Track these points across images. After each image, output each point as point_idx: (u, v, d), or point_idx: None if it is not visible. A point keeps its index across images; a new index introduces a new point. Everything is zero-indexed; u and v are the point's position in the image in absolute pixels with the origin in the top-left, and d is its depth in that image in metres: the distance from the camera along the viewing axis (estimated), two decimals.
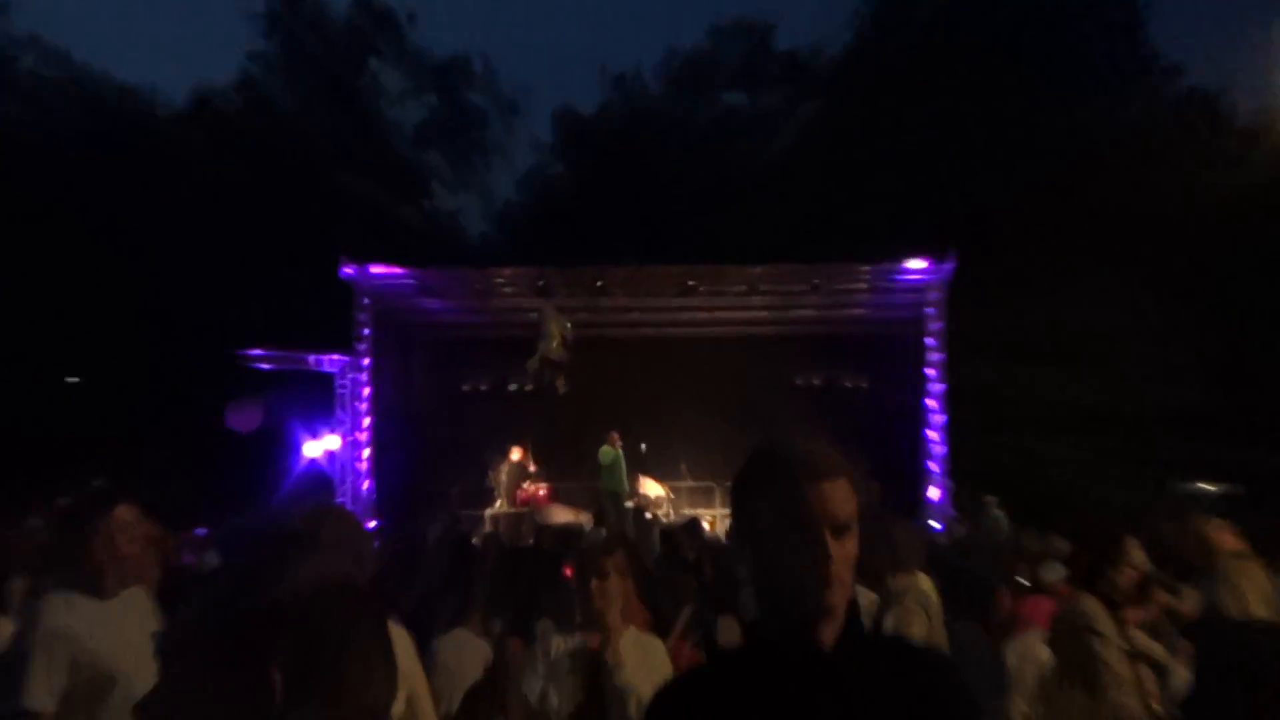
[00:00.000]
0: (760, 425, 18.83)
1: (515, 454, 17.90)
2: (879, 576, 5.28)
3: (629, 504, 17.41)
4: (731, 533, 2.08)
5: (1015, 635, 4.73)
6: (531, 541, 13.13)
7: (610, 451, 17.20)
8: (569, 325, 16.79)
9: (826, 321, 19.20)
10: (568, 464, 19.05)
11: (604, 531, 12.38)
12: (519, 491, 17.71)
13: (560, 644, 3.94)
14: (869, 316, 18.99)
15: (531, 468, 17.98)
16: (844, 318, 19.11)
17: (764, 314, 18.94)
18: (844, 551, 1.90)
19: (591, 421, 18.09)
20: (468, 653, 4.89)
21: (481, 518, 17.01)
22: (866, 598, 5.22)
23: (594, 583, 3.89)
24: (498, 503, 17.80)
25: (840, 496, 1.92)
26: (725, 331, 19.58)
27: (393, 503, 17.36)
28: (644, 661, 3.86)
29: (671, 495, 18.62)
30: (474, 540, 11.30)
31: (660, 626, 5.04)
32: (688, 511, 17.22)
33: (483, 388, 20.92)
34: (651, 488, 18.44)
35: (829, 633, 1.90)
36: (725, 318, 19.12)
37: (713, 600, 7.29)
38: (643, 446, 18.61)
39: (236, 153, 31.53)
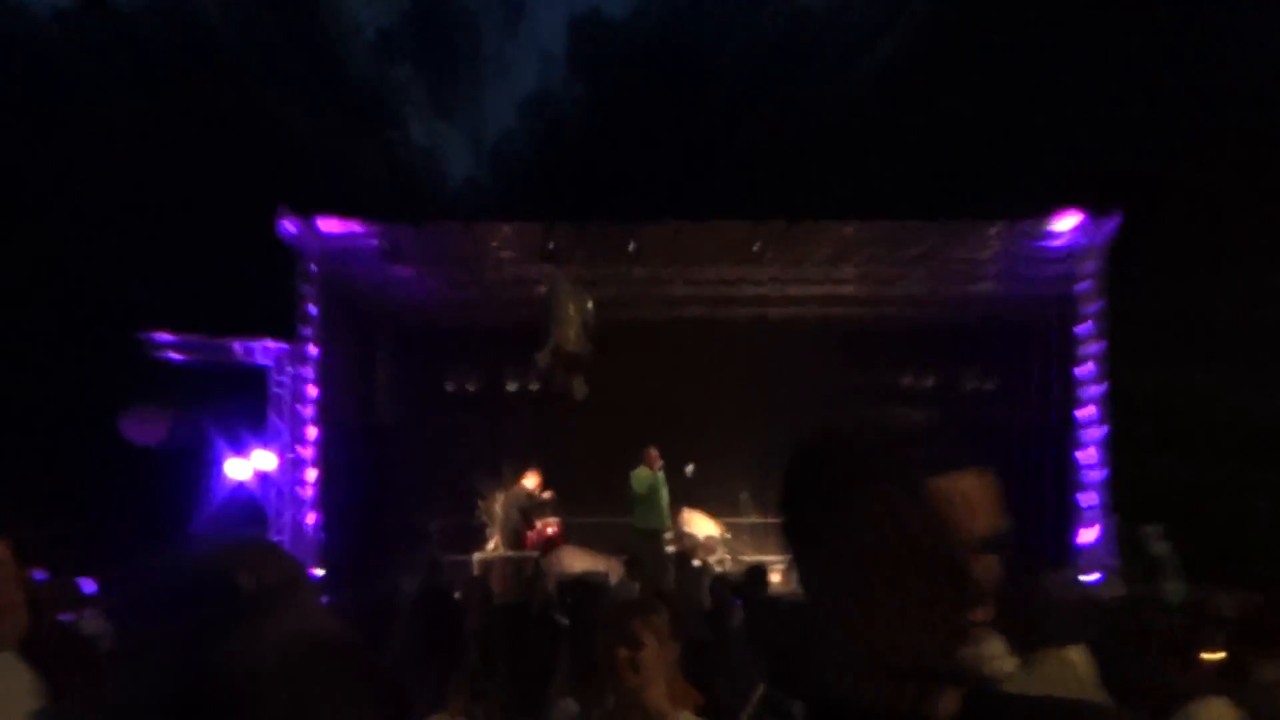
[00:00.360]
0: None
1: (529, 480, 17.78)
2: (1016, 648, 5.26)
3: (670, 547, 17.45)
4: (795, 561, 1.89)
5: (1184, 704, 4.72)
6: (538, 597, 13.18)
7: (646, 475, 17.20)
8: (590, 305, 16.72)
9: (941, 301, 19.20)
10: (586, 493, 18.97)
11: (637, 585, 12.39)
12: (530, 531, 17.62)
13: None
14: (1000, 294, 18.91)
15: (545, 495, 17.89)
16: (965, 296, 19.05)
17: (856, 290, 18.96)
18: (992, 580, 1.72)
19: (620, 435, 18.05)
20: None
21: (469, 564, 17.04)
22: (1003, 665, 5.21)
23: (623, 654, 3.89)
24: (491, 543, 17.83)
25: (988, 496, 1.76)
26: (803, 314, 19.61)
27: (348, 544, 17.40)
28: None
29: (727, 535, 18.66)
30: (456, 594, 11.38)
31: (715, 712, 5.05)
32: (749, 558, 17.20)
33: (471, 389, 21.05)
34: (701, 525, 18.44)
35: (951, 701, 1.73)
36: (803, 295, 19.16)
37: (788, 676, 7.26)
38: (689, 469, 18.53)
39: (138, 68, 31.65)
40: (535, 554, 17.03)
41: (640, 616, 3.99)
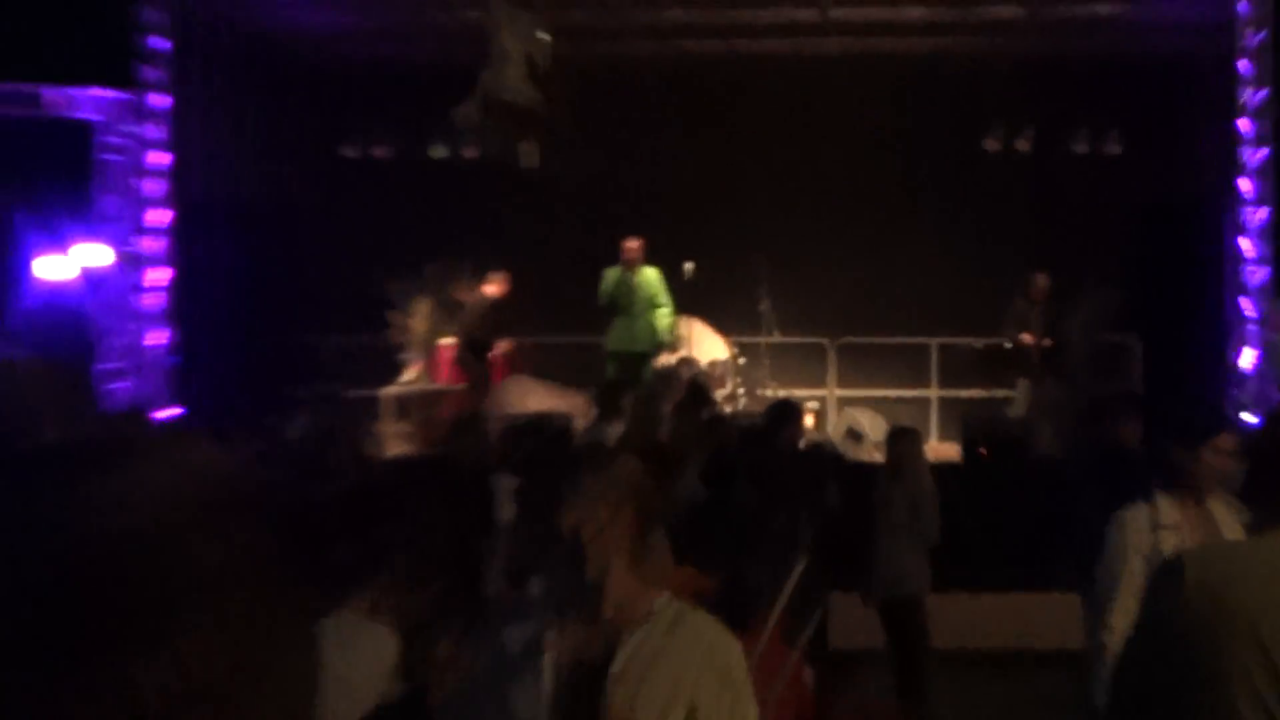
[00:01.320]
0: (915, 233, 18.59)
1: (492, 288, 17.67)
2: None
3: (663, 372, 17.19)
4: None
5: None
6: (474, 447, 13.00)
7: (616, 275, 17.13)
8: (542, 36, 16.31)
9: (1044, 29, 18.82)
10: (547, 304, 18.88)
11: (613, 427, 12.27)
12: (492, 356, 17.43)
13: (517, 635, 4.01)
14: (1126, 18, 18.46)
15: (480, 290, 17.45)
16: (1079, 22, 18.72)
17: (924, 14, 18.57)
18: None
19: (594, 221, 18.03)
20: (361, 653, 4.77)
21: (375, 403, 16.97)
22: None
23: (592, 518, 3.90)
24: (409, 372, 17.87)
25: None
26: (851, 48, 19.31)
27: (210, 373, 17.33)
28: (697, 675, 3.86)
29: (741, 359, 18.58)
30: (361, 442, 11.22)
31: (728, 604, 5.05)
32: (771, 393, 17.22)
33: (381, 155, 20.61)
34: (706, 344, 18.35)
35: None
36: (851, 21, 18.77)
37: (832, 559, 7.05)
38: (687, 268, 18.17)
39: None
40: (469, 389, 17.01)
41: (616, 468, 4.06)
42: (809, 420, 15.81)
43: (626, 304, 17.08)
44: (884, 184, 18.66)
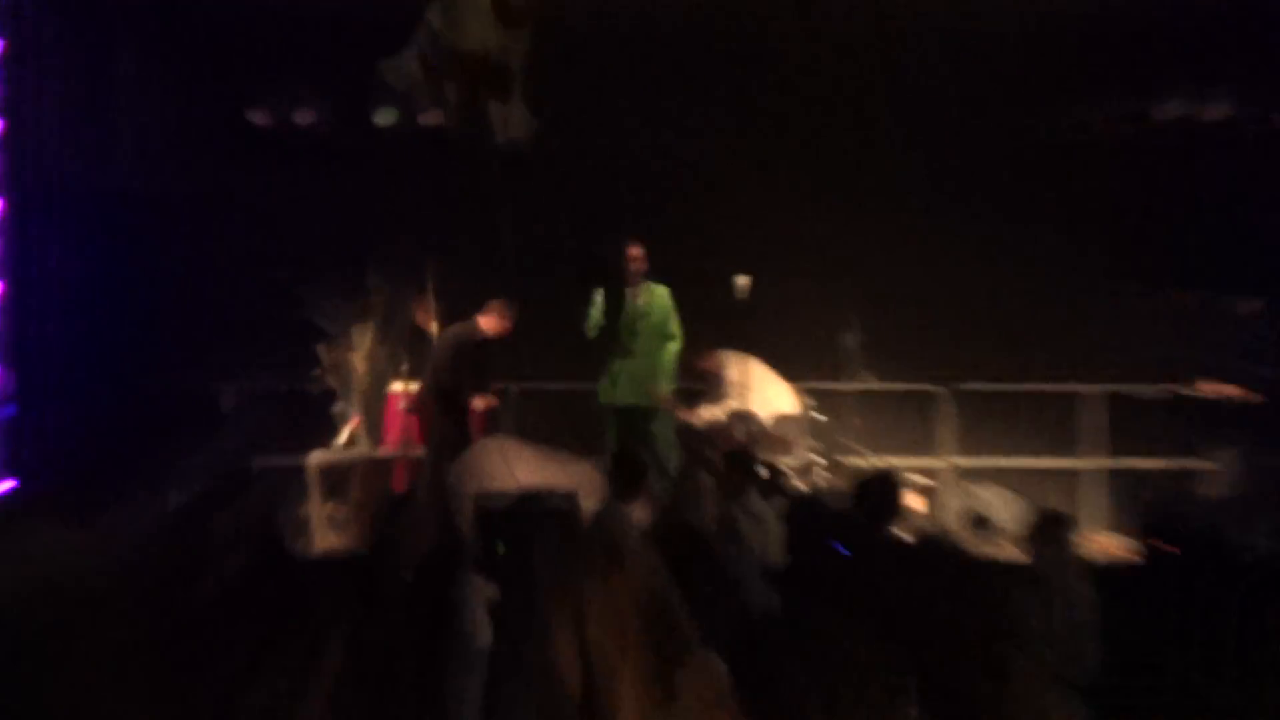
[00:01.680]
0: (1060, 238, 18.28)
1: (488, 320, 17.47)
2: None
3: (706, 434, 17.31)
4: None
5: None
6: (431, 535, 12.74)
7: (624, 302, 17.03)
8: None
9: None
10: (538, 338, 18.53)
11: (634, 511, 12.23)
12: (470, 410, 17.34)
13: None
14: None
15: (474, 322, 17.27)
16: None
17: None
18: None
19: (596, 219, 18.13)
20: None
21: (297, 474, 16.84)
22: None
23: (601, 642, 3.92)
24: (347, 430, 17.89)
25: None
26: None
27: (61, 429, 17.27)
28: None
29: (816, 413, 18.43)
30: (275, 531, 10.91)
31: None
32: (861, 463, 17.09)
33: (302, 122, 20.48)
34: (769, 393, 18.21)
35: None
36: None
37: (951, 702, 6.81)
38: (740, 285, 17.89)
39: None
40: (431, 454, 16.88)
41: (620, 575, 4.22)
42: (916, 502, 15.62)
43: (628, 336, 17.12)
44: (1015, 169, 18.63)
